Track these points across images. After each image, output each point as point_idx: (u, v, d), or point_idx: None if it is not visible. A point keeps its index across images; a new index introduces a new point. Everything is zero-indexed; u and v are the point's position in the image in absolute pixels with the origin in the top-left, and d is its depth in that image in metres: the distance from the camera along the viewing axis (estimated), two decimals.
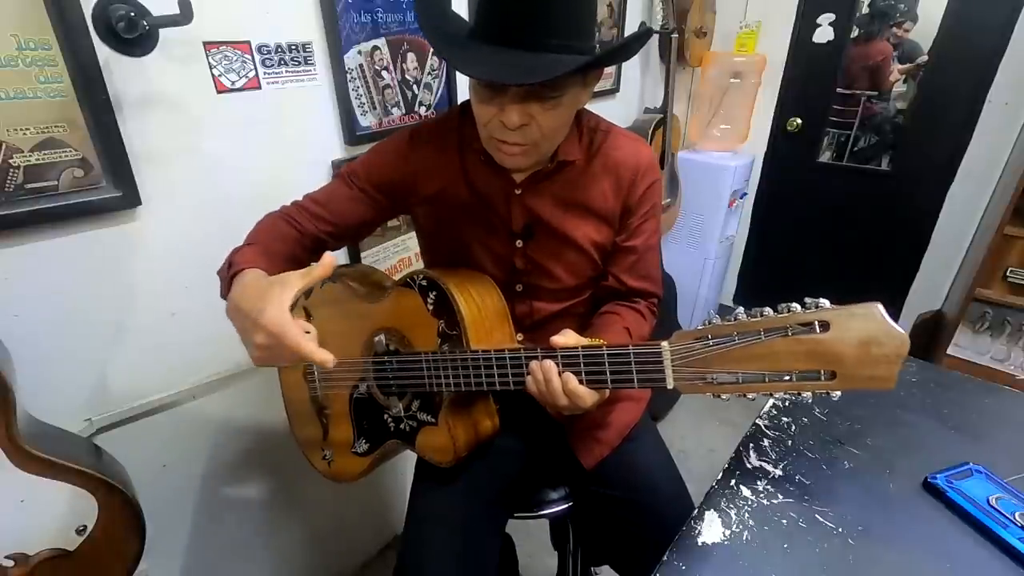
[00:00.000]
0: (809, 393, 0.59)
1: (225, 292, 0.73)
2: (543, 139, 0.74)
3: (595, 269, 0.91)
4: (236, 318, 0.65)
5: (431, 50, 1.26)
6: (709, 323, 0.61)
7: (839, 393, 0.57)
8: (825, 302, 0.56)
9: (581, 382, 0.69)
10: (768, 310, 0.58)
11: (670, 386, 0.64)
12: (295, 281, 0.62)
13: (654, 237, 0.91)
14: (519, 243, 0.86)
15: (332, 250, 0.87)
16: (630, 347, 0.66)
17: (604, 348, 0.68)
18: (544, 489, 0.98)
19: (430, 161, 0.85)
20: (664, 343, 0.63)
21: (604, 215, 0.86)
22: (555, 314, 0.91)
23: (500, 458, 0.91)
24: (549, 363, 0.70)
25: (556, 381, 0.69)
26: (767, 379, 0.59)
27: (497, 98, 0.71)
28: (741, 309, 0.59)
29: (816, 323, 0.56)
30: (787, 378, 0.58)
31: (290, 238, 0.82)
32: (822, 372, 0.57)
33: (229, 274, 0.72)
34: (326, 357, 0.60)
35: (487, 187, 0.84)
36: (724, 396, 0.61)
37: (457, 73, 1.32)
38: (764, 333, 0.58)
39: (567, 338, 0.72)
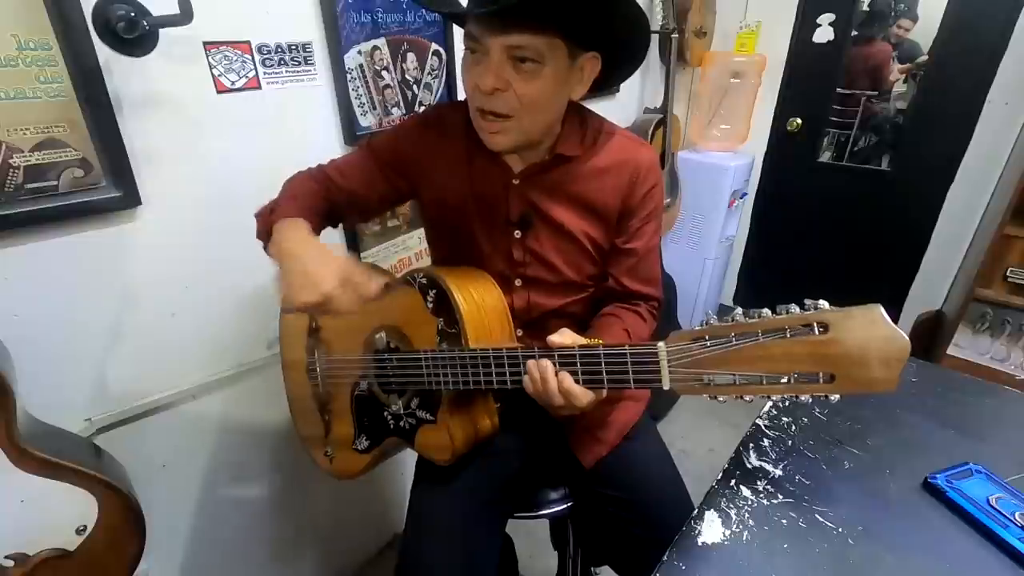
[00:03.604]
0: (808, 395, 0.58)
1: (265, 234, 0.80)
2: (523, 111, 0.74)
3: (594, 264, 0.91)
4: (291, 261, 0.71)
5: (431, 50, 1.26)
6: (707, 324, 0.60)
7: (838, 396, 0.57)
8: (824, 303, 0.56)
9: (577, 381, 0.68)
10: (766, 311, 0.57)
11: (666, 387, 0.63)
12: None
13: (655, 239, 0.92)
14: (517, 233, 0.87)
15: (345, 221, 0.92)
16: (626, 347, 0.65)
17: (601, 348, 0.68)
18: (544, 489, 0.98)
19: (436, 147, 0.87)
20: (660, 344, 0.63)
21: (602, 212, 0.86)
22: (553, 310, 0.92)
23: (500, 458, 0.92)
24: (545, 362, 0.69)
25: (552, 380, 0.69)
26: (764, 381, 0.58)
27: (480, 65, 0.72)
28: (739, 310, 0.58)
29: (815, 325, 0.55)
30: (785, 380, 0.57)
31: (319, 195, 0.87)
32: (820, 374, 0.56)
33: (272, 218, 0.79)
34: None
35: (486, 177, 0.86)
36: (721, 398, 0.61)
37: (457, 73, 1.32)
38: (762, 334, 0.57)
39: (563, 337, 0.71)
